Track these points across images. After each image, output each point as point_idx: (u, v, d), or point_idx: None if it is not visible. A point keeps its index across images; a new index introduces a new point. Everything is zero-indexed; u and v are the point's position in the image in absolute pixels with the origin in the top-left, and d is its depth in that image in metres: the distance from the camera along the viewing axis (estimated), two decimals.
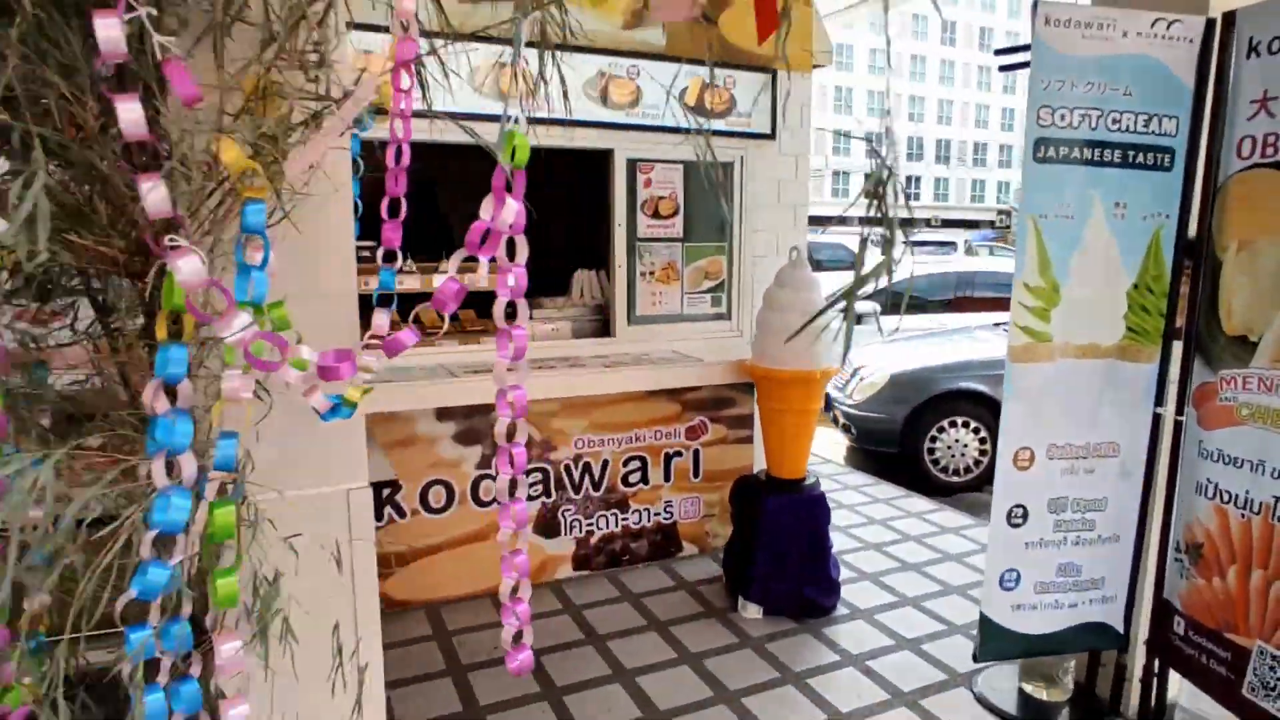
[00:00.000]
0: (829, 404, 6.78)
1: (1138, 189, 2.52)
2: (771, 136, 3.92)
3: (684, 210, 3.91)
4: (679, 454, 3.92)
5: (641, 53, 3.60)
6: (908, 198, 1.08)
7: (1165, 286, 2.58)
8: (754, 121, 3.86)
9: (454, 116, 2.34)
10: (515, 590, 1.42)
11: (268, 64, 1.21)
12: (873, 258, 1.06)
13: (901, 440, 5.91)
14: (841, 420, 6.45)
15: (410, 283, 3.53)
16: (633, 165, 3.73)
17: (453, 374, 3.34)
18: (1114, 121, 2.46)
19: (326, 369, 1.13)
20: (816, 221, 35.87)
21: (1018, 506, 2.60)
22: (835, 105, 48.88)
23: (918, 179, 52.12)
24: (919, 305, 8.80)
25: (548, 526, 3.69)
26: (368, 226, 4.10)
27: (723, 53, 3.79)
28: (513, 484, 1.38)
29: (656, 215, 3.84)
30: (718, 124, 3.77)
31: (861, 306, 8.30)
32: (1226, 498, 2.42)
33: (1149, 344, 2.61)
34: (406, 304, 3.77)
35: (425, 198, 5.09)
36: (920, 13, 48.32)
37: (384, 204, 1.53)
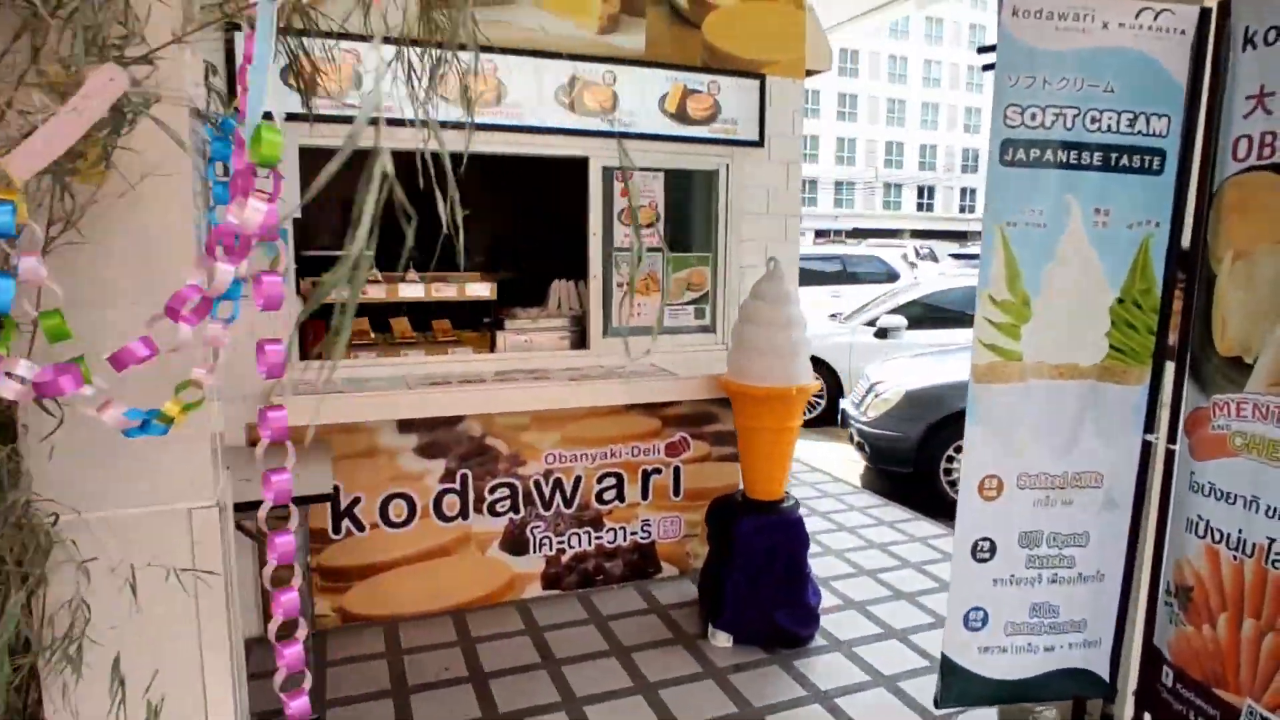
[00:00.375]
0: (844, 421, 6.54)
1: (1123, 195, 2.30)
2: (759, 144, 3.76)
3: (666, 219, 3.77)
4: (658, 471, 3.76)
5: (618, 58, 3.48)
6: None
7: (1155, 301, 2.35)
8: (740, 129, 3.71)
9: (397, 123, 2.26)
10: (288, 632, 1.29)
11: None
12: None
13: (916, 459, 5.65)
14: (856, 438, 6.21)
15: (375, 292, 3.46)
16: (609, 173, 3.61)
17: (409, 386, 3.26)
18: (1093, 121, 2.25)
19: (42, 385, 1.02)
20: (861, 234, 35.12)
21: (984, 540, 2.39)
22: (839, 113, 47.26)
23: (898, 187, 49.92)
24: (952, 319, 8.45)
25: (515, 544, 3.57)
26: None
27: (708, 57, 3.65)
28: (284, 514, 1.25)
29: (636, 225, 3.71)
30: (701, 130, 3.63)
31: (888, 320, 8.03)
32: (1218, 537, 2.18)
33: (1137, 364, 2.37)
34: (374, 314, 3.72)
35: (386, 206, 5.08)
36: (933, 16, 46.51)
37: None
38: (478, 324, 3.83)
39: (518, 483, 3.53)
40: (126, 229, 1.40)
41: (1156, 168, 2.29)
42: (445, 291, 3.54)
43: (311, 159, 3.24)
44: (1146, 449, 2.41)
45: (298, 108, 3.00)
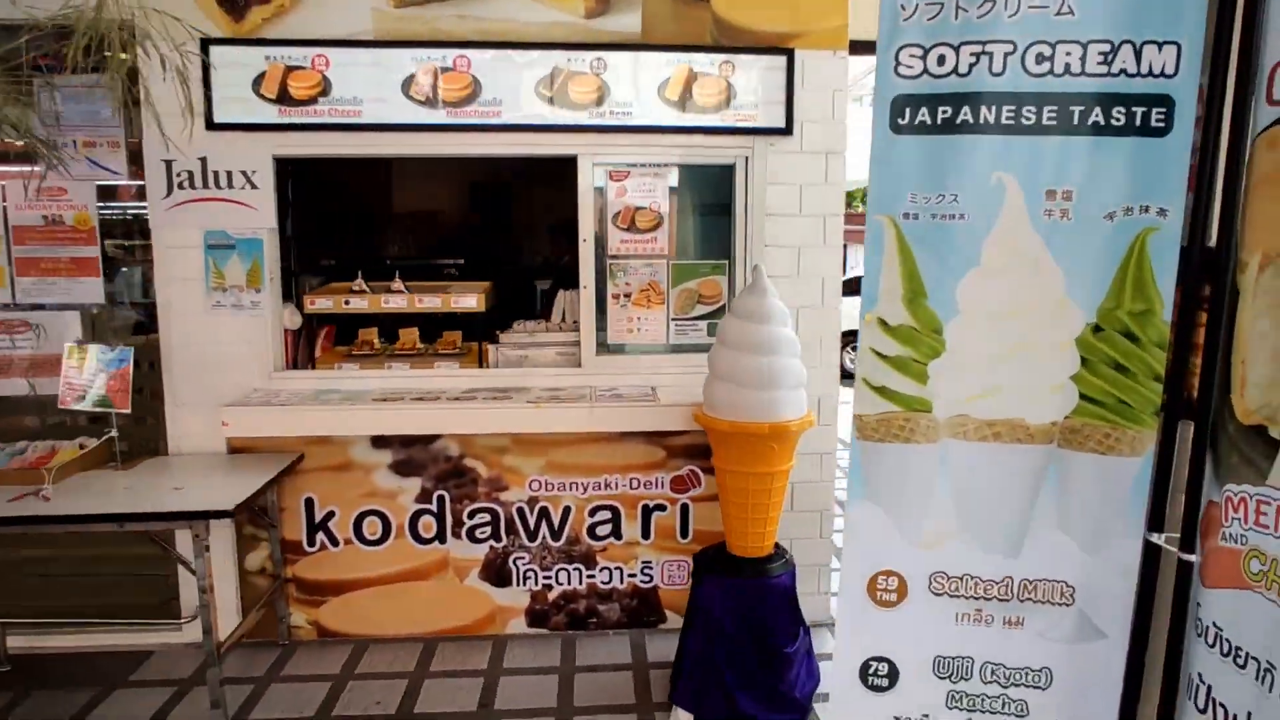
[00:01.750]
0: None
1: (1098, 169, 1.54)
2: (787, 131, 3.15)
3: (671, 223, 3.30)
4: (661, 508, 3.32)
5: (609, 44, 3.10)
6: None
7: (1162, 331, 1.54)
8: (761, 115, 3.13)
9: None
10: None
11: None
12: None
13: None
14: None
15: (357, 303, 3.41)
16: (601, 173, 3.24)
17: (383, 399, 3.15)
18: (1040, 60, 1.52)
19: None
20: None
21: (879, 661, 1.71)
22: None
23: None
24: None
25: (498, 574, 3.32)
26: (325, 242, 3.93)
27: (718, 34, 3.13)
28: None
29: (633, 228, 3.29)
30: (710, 119, 3.12)
31: None
32: (1221, 715, 1.35)
33: (1130, 425, 1.58)
34: (355, 324, 3.67)
35: (374, 216, 5.00)
36: None
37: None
38: (478, 336, 3.65)
39: (499, 509, 3.29)
40: None
41: (1158, 125, 1.50)
42: (430, 303, 3.41)
43: (286, 166, 3.28)
44: (1152, 555, 1.58)
45: (272, 118, 3.02)
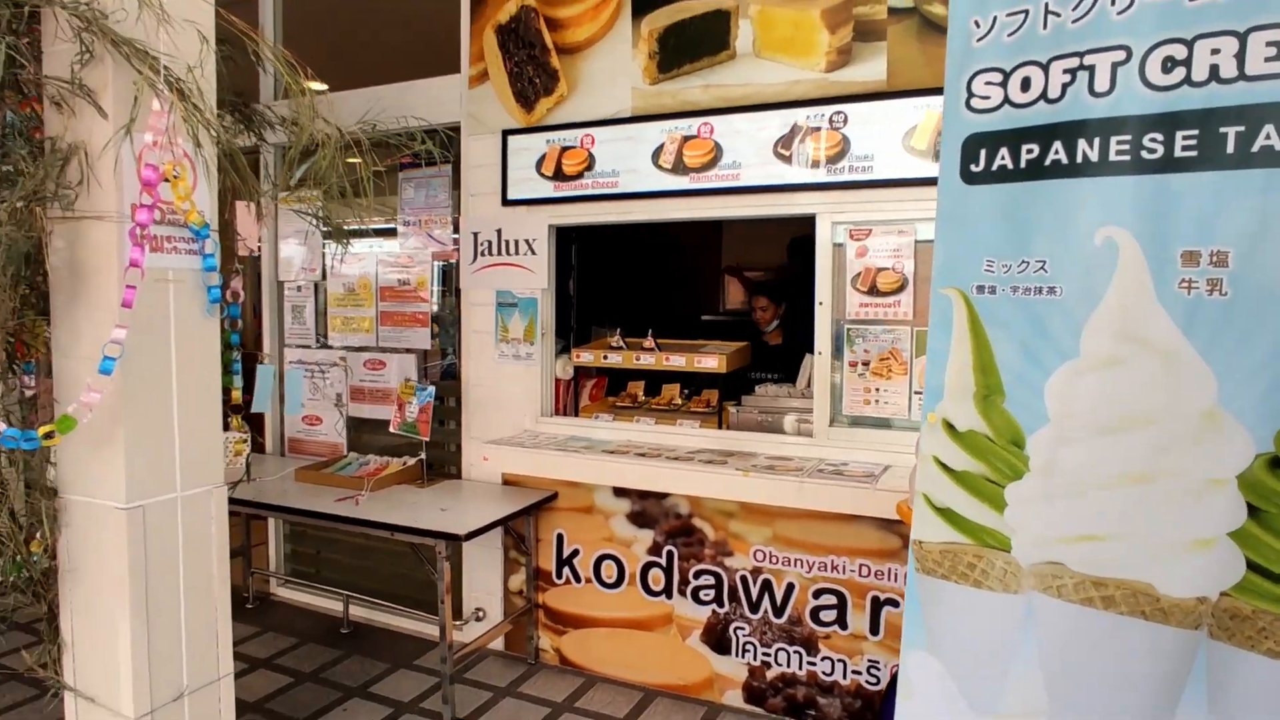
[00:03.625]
0: None
1: (1273, 219, 1.02)
2: None
3: (917, 286, 2.87)
4: (894, 603, 2.91)
5: (849, 95, 2.88)
6: None
7: None
8: None
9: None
10: None
11: None
12: None
13: None
14: None
15: (614, 358, 3.60)
16: (841, 231, 2.97)
17: (613, 451, 3.30)
18: (1170, 65, 1.08)
19: None
20: None
21: None
22: None
23: None
24: None
25: (718, 640, 3.24)
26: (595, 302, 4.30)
27: None
28: None
29: (874, 291, 2.93)
30: None
31: None
32: None
33: None
34: (626, 376, 3.87)
35: (632, 273, 4.93)
36: None
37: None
38: (735, 395, 3.58)
39: (723, 573, 3.21)
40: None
41: None
42: (675, 361, 3.45)
43: (570, 234, 3.66)
44: None
45: (548, 193, 3.50)
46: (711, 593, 3.25)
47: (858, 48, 2.90)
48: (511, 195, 3.57)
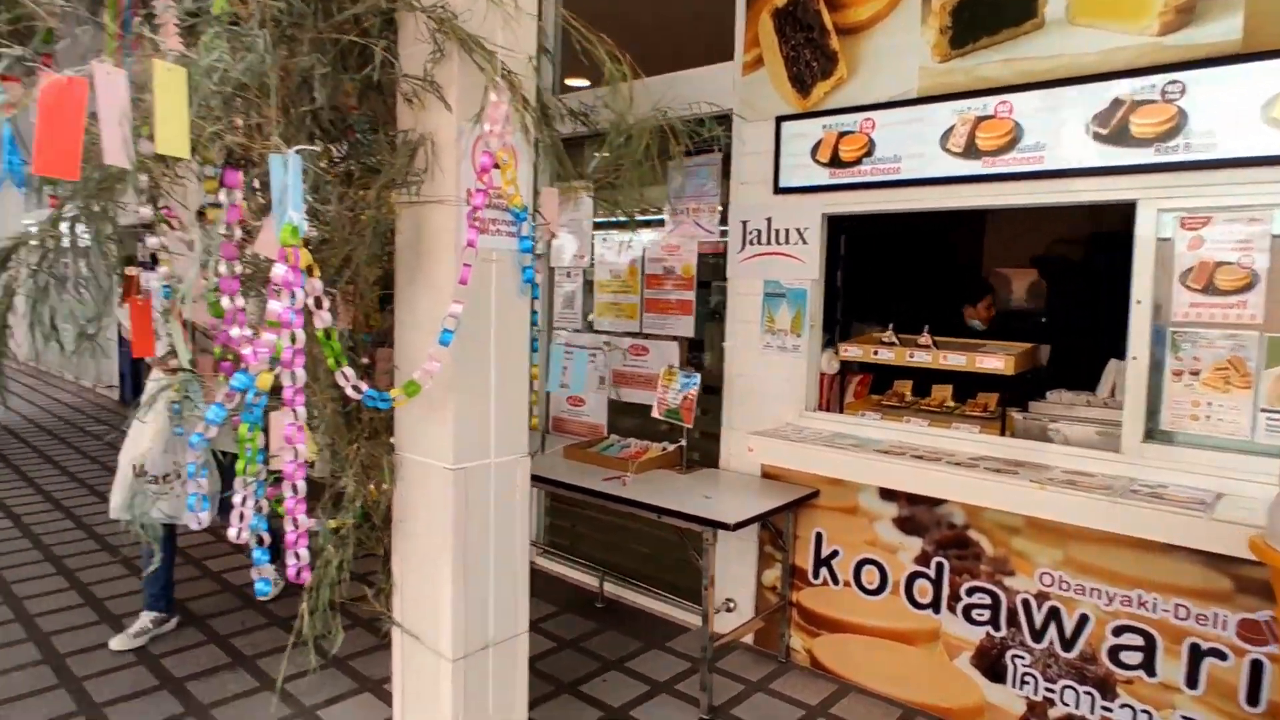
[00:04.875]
0: None
1: None
2: None
3: (1270, 283, 2.39)
4: (1220, 655, 2.51)
5: (1190, 61, 2.48)
6: None
7: None
8: None
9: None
10: None
11: None
12: None
13: None
14: None
15: (885, 354, 3.39)
16: (1169, 220, 2.55)
17: (886, 452, 3.12)
18: None
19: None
20: None
21: None
22: None
23: None
24: None
25: (991, 666, 2.98)
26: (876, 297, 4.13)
27: None
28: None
29: (1211, 289, 2.48)
30: None
31: None
32: None
33: None
34: (892, 374, 3.65)
35: (897, 267, 4.40)
36: None
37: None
38: (1021, 401, 3.24)
39: (1001, 594, 2.95)
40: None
41: None
42: (953, 360, 3.17)
43: (839, 223, 3.53)
44: None
45: (823, 180, 3.45)
46: (986, 613, 3.00)
47: (1203, 4, 2.51)
48: (784, 183, 3.51)
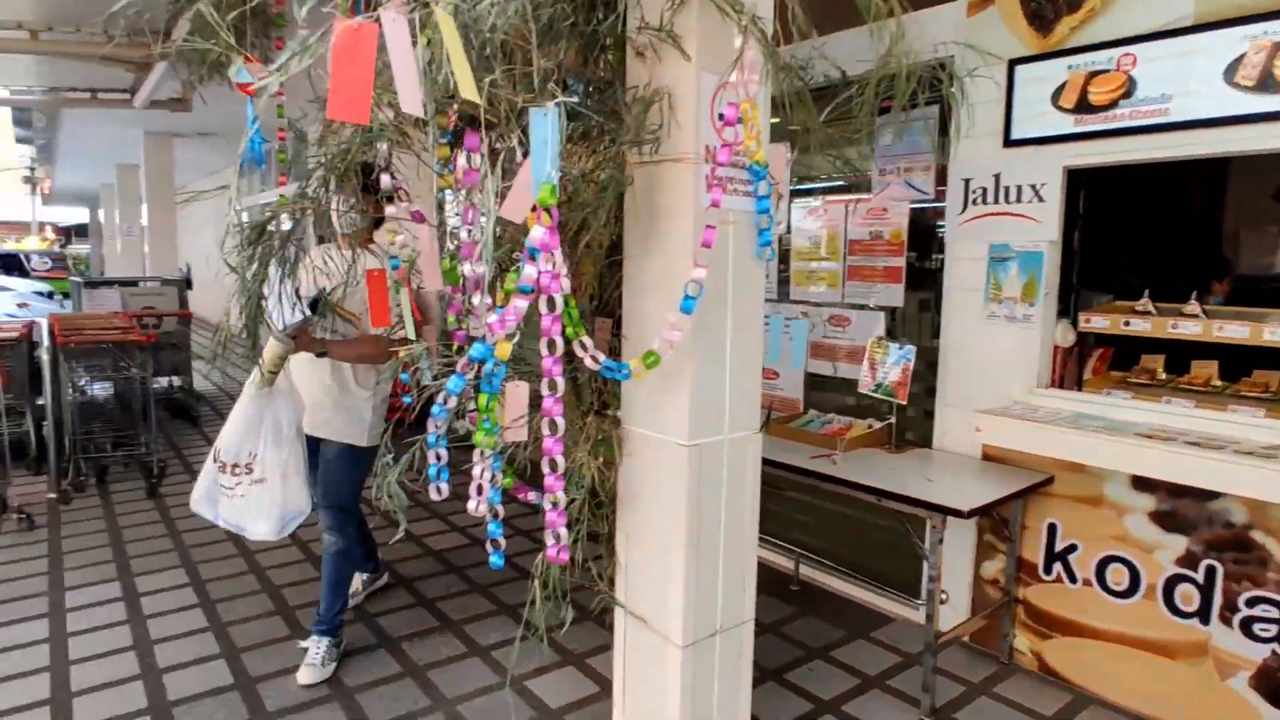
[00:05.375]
0: None
1: None
2: None
3: None
4: None
5: None
6: None
7: None
8: None
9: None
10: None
11: None
12: None
13: None
14: None
15: (1138, 325, 2.94)
16: None
17: (1149, 436, 2.72)
18: None
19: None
20: None
21: None
22: None
23: None
24: None
25: (1277, 689, 2.56)
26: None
27: None
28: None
29: None
30: None
31: None
32: None
33: None
34: (1136, 348, 3.18)
35: (1170, 224, 3.66)
36: None
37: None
38: None
39: None
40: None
41: None
42: (1233, 331, 2.70)
43: (1079, 178, 3.11)
44: None
45: (1066, 128, 3.08)
46: (1272, 629, 2.57)
47: None
48: (1016, 134, 3.14)
